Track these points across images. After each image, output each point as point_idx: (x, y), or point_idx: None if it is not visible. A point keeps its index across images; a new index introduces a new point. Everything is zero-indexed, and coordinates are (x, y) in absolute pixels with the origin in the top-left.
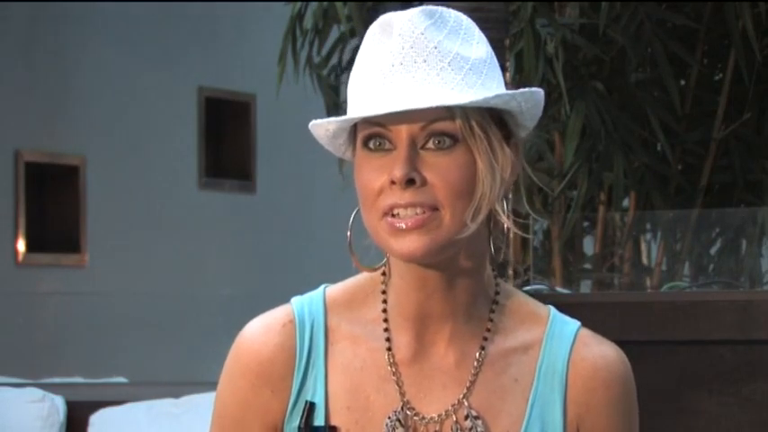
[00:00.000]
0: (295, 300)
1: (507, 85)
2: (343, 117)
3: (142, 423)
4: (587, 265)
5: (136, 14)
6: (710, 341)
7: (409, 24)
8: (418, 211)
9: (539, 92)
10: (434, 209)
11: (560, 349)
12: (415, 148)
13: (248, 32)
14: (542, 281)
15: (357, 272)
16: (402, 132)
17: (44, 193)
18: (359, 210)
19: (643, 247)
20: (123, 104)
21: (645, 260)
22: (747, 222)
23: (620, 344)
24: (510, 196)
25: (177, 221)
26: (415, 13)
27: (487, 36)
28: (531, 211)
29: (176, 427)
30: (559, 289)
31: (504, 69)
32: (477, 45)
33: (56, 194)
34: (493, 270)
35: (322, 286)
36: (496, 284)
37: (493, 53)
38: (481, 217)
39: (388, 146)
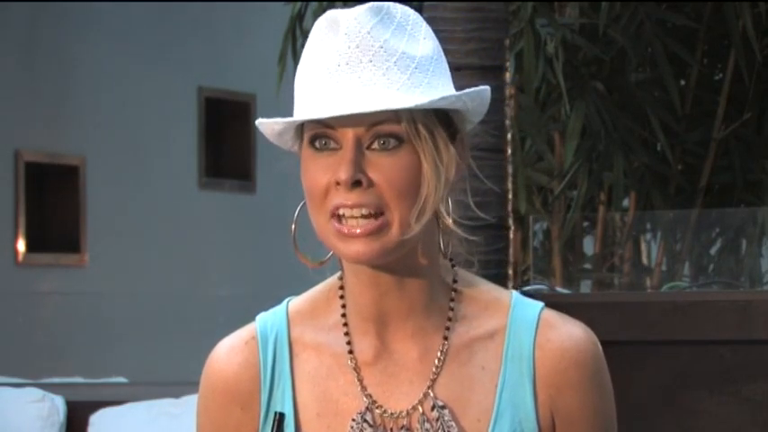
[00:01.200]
0: (260, 316)
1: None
2: (288, 118)
3: (142, 423)
4: (587, 265)
5: (136, 15)
6: (710, 341)
7: (355, 23)
8: (364, 212)
9: (485, 89)
10: (381, 212)
11: (525, 333)
12: (360, 148)
13: (248, 32)
14: (542, 281)
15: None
16: (348, 134)
17: (44, 193)
18: (304, 203)
19: (643, 247)
20: (123, 104)
21: (645, 260)
22: (747, 222)
23: (621, 344)
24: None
25: (177, 221)
26: (361, 10)
27: (487, 36)
28: (479, 214)
29: (176, 427)
30: (559, 289)
31: (504, 69)
32: (423, 41)
33: (56, 194)
34: (450, 260)
35: (285, 300)
36: (454, 273)
37: (440, 49)
38: (425, 218)
39: (333, 145)
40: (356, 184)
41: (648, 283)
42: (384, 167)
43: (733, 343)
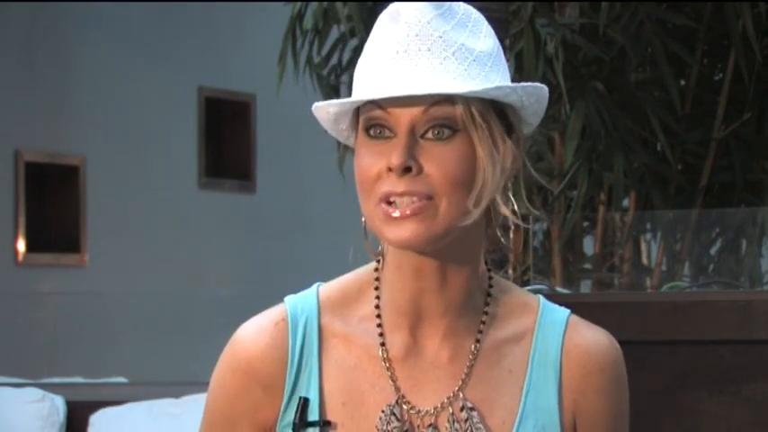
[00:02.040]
0: (289, 299)
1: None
2: (343, 100)
3: (142, 423)
4: (587, 265)
5: (136, 14)
6: (710, 341)
7: (416, 13)
8: (414, 199)
9: (542, 87)
10: (429, 197)
11: (552, 337)
12: (414, 136)
13: (248, 32)
14: (542, 281)
15: (352, 268)
16: (402, 118)
17: (44, 193)
18: None
19: (643, 247)
20: (123, 104)
21: (645, 260)
22: (747, 222)
23: (621, 344)
24: (511, 194)
25: (177, 221)
26: (423, 3)
27: None
28: (530, 208)
29: (176, 427)
30: (559, 289)
31: None
32: (484, 38)
33: (56, 194)
34: (486, 264)
35: (315, 285)
36: (490, 277)
37: (500, 48)
38: (483, 205)
39: (387, 134)
40: (407, 170)
41: (648, 283)
42: (437, 156)
43: (733, 343)
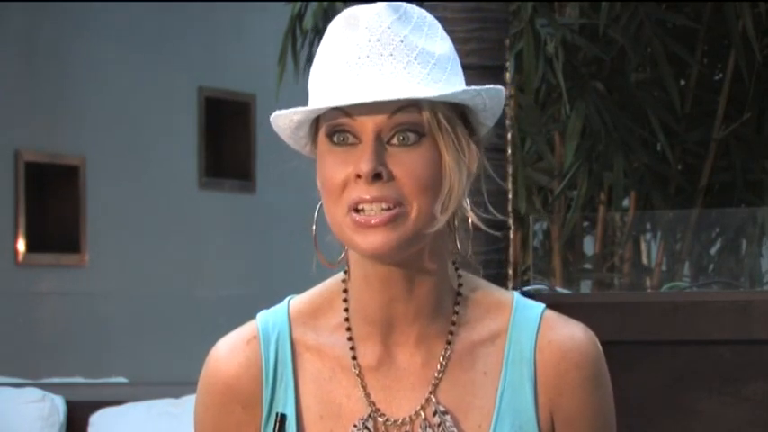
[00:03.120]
0: (260, 314)
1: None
2: (309, 107)
3: (142, 423)
4: (587, 265)
5: (135, 14)
6: (710, 341)
7: (376, 18)
8: (384, 206)
9: (501, 90)
10: (399, 204)
11: (526, 336)
12: (381, 142)
13: (248, 32)
14: (542, 281)
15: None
16: (368, 125)
17: (44, 193)
18: (322, 204)
19: (643, 247)
20: (123, 104)
21: (645, 260)
22: (747, 222)
23: (621, 344)
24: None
25: (177, 221)
26: (381, 7)
27: (487, 36)
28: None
29: (176, 427)
30: (559, 289)
31: (504, 69)
32: (440, 41)
33: (56, 194)
34: (453, 263)
35: (287, 298)
36: (458, 276)
37: (455, 52)
38: (451, 210)
39: (351, 140)
40: (377, 177)
41: (648, 283)
42: (405, 162)
43: (733, 343)
